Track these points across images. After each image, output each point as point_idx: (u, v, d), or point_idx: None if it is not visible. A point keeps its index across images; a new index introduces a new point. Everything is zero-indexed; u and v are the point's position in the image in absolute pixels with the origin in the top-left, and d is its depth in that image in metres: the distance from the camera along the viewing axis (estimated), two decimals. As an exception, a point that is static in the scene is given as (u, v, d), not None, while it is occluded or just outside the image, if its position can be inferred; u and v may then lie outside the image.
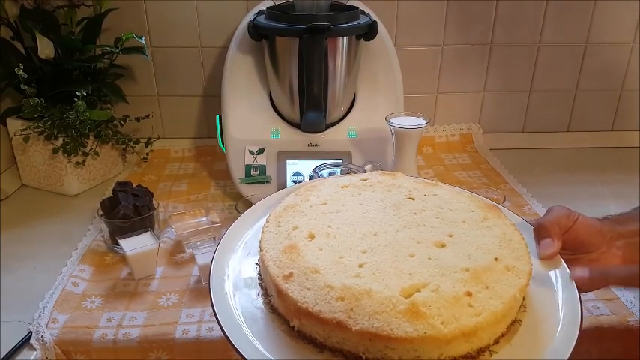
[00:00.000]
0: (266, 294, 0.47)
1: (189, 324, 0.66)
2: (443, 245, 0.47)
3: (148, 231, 0.77)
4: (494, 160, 1.14)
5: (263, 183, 0.92)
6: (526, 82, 1.20)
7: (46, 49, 0.93)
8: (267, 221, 0.51)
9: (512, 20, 1.13)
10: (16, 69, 0.88)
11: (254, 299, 0.47)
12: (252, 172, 0.93)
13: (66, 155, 0.95)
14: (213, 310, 0.44)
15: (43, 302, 0.69)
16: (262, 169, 0.93)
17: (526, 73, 1.19)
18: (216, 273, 0.48)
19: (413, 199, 0.54)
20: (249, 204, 0.90)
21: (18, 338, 0.63)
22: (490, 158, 1.15)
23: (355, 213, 0.52)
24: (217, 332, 0.64)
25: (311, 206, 0.52)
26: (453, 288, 0.41)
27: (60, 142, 0.95)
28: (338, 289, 0.41)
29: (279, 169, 0.92)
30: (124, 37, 0.98)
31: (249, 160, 0.93)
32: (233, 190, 0.97)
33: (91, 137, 0.99)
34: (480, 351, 0.41)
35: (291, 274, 0.43)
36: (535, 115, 1.23)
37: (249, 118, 0.96)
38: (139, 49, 1.00)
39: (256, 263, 0.50)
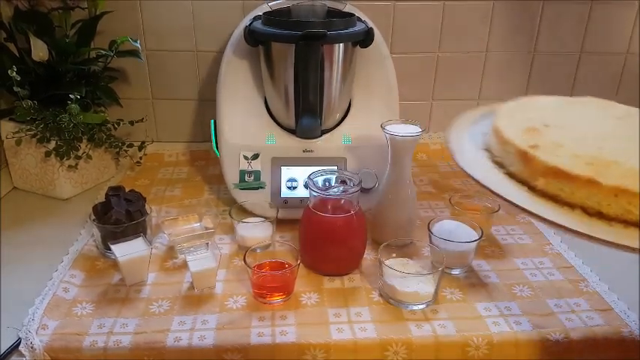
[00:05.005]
0: (502, 166, 0.55)
1: (181, 332, 0.65)
2: None
3: (140, 236, 0.77)
4: (489, 168, 1.14)
5: (257, 189, 0.91)
6: (521, 89, 1.20)
7: (39, 51, 0.92)
8: (497, 113, 0.59)
9: (508, 28, 1.14)
10: (9, 71, 0.88)
11: (491, 168, 0.55)
12: (247, 178, 0.92)
13: (58, 158, 0.95)
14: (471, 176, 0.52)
15: (32, 308, 0.68)
16: (257, 175, 0.92)
17: (521, 81, 1.20)
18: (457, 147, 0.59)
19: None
20: (243, 209, 0.90)
21: (7, 345, 0.63)
22: (484, 166, 1.16)
23: (581, 118, 0.58)
24: (209, 340, 0.64)
25: (537, 107, 0.61)
26: None
27: (52, 145, 0.94)
28: (586, 157, 0.48)
29: (274, 175, 0.92)
30: (118, 40, 0.97)
31: (244, 165, 0.93)
32: (227, 195, 0.97)
33: (84, 140, 0.98)
34: None
35: (536, 145, 0.51)
36: (529, 123, 1.23)
37: (244, 122, 0.95)
38: (134, 53, 0.99)
39: (485, 149, 0.58)
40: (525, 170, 0.52)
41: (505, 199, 0.51)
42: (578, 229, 0.47)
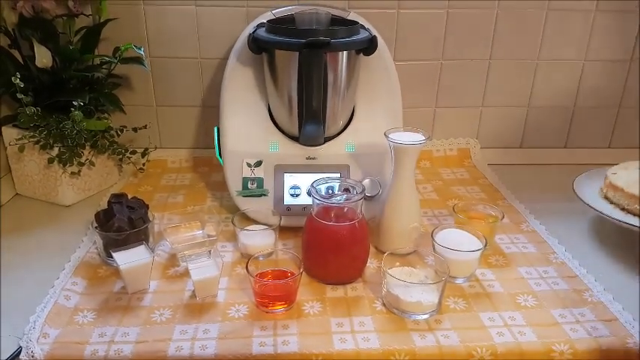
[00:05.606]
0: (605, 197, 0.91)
1: (183, 341, 0.65)
2: None
3: (142, 244, 0.76)
4: (492, 176, 1.14)
5: (260, 196, 0.91)
6: (524, 97, 1.20)
7: (43, 57, 0.93)
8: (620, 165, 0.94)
9: (511, 36, 1.14)
10: (12, 78, 0.88)
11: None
12: (250, 185, 0.92)
13: (61, 165, 0.95)
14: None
15: (34, 316, 0.67)
16: (260, 182, 0.92)
17: (524, 89, 1.19)
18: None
19: None
20: (245, 217, 0.90)
21: (8, 353, 0.62)
22: (488, 173, 1.15)
23: None
24: (210, 350, 0.63)
25: None
26: None
27: (55, 151, 0.94)
28: (630, 180, 0.86)
29: (277, 182, 0.91)
30: (122, 48, 0.98)
31: (247, 172, 0.92)
32: (230, 203, 0.97)
33: (87, 147, 0.98)
34: None
35: (615, 172, 0.89)
36: (533, 130, 1.23)
37: (248, 130, 0.95)
38: (138, 60, 0.99)
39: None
40: (605, 186, 0.90)
41: (584, 202, 0.87)
42: (616, 218, 0.83)
